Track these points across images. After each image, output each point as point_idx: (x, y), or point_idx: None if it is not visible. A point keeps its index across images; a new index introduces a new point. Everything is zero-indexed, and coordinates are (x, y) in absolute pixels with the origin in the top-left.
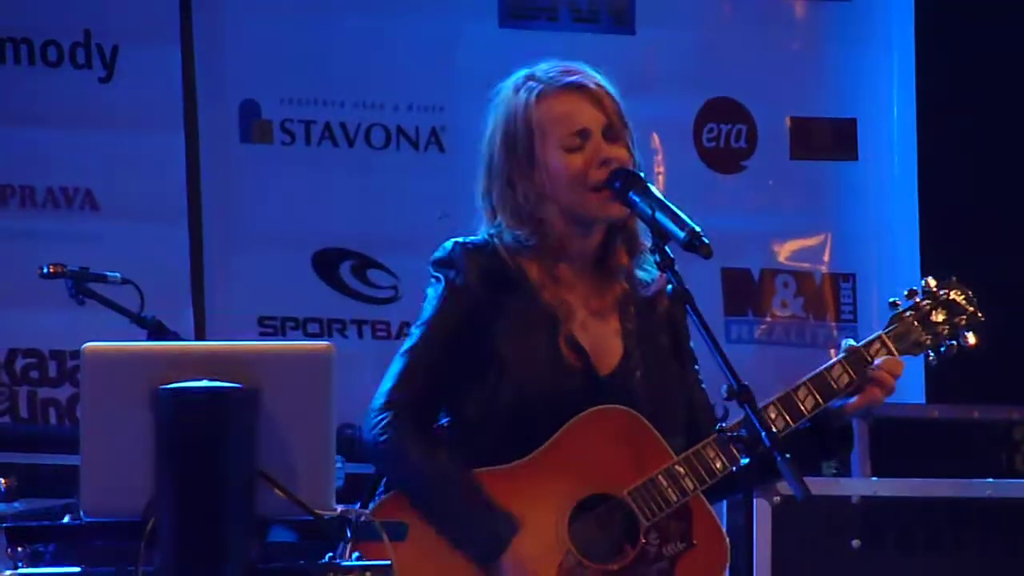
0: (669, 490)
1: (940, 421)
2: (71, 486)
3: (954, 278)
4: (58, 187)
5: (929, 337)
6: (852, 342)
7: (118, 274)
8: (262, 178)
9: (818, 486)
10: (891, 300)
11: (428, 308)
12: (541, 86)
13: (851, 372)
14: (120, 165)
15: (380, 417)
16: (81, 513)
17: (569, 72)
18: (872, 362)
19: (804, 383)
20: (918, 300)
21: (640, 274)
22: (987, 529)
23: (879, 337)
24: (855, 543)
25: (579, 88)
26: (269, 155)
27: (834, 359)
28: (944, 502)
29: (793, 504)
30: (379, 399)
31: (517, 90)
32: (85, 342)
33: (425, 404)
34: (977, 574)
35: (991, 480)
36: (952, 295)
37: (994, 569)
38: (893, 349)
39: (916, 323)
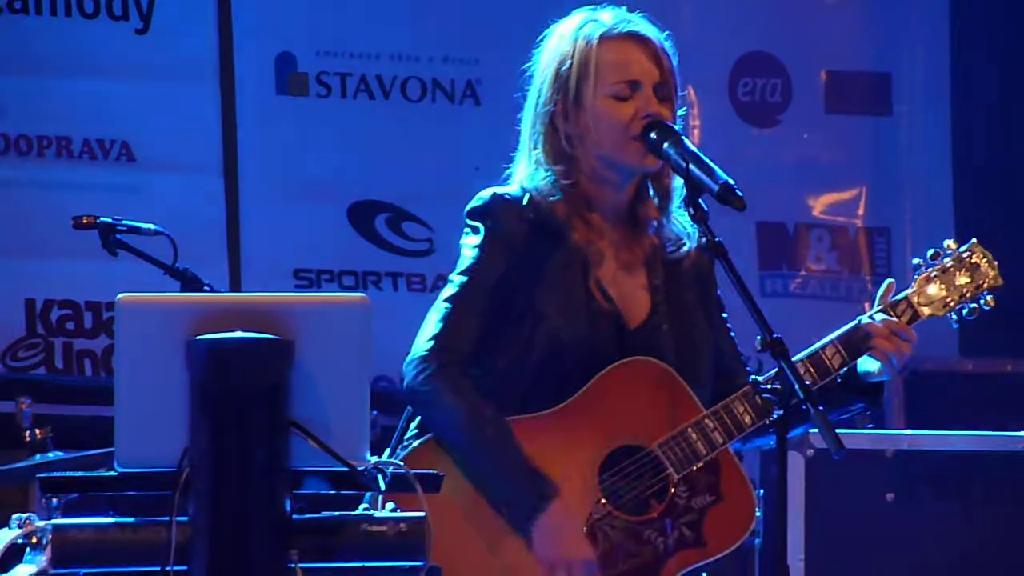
0: (698, 443)
1: (973, 374)
2: (106, 437)
3: (975, 240)
4: (94, 138)
5: (953, 299)
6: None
7: (152, 225)
8: (298, 130)
9: (852, 439)
10: (915, 261)
11: (469, 257)
12: (602, 29)
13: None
14: (156, 117)
15: (423, 367)
16: (116, 464)
17: (632, 22)
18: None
19: (832, 341)
20: (942, 262)
21: (670, 231)
22: (1020, 482)
23: (905, 298)
24: (889, 496)
25: (640, 39)
26: (305, 107)
27: (861, 317)
28: (977, 455)
29: (827, 457)
30: (422, 348)
31: (577, 29)
32: (120, 293)
33: (467, 353)
34: (1010, 527)
35: None
36: (974, 258)
37: None
38: (918, 310)
39: (940, 284)
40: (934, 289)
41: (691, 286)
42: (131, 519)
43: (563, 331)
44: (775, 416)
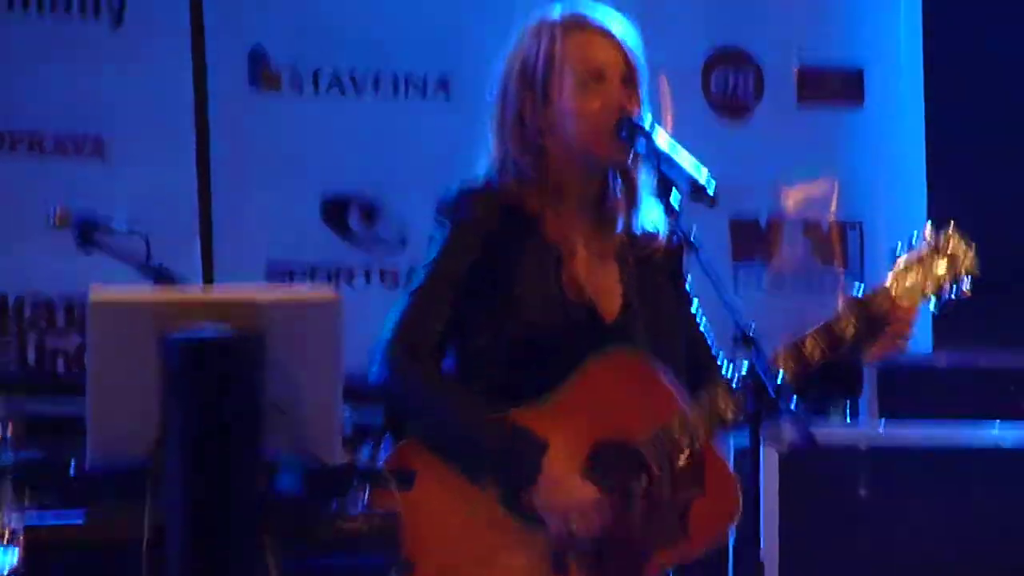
0: (681, 437)
1: (947, 368)
2: (77, 434)
3: (951, 227)
4: (66, 133)
5: (931, 286)
6: (857, 294)
7: (124, 225)
8: (270, 125)
9: (825, 434)
10: (894, 250)
11: (434, 250)
12: (566, 22)
13: (856, 323)
14: (129, 111)
15: (387, 356)
16: (87, 461)
17: (597, 13)
18: (876, 312)
19: (811, 334)
20: (919, 250)
21: (640, 226)
22: (994, 475)
23: (883, 287)
24: (862, 491)
25: (605, 31)
26: (277, 102)
27: (839, 310)
28: (951, 449)
29: (800, 453)
30: (384, 338)
31: (541, 23)
32: (92, 287)
33: (432, 344)
34: (984, 521)
35: (998, 426)
36: (952, 245)
37: (1002, 515)
38: (896, 300)
39: (918, 273)
40: (911, 278)
41: (664, 277)
42: (102, 515)
43: (536, 320)
44: (749, 412)
